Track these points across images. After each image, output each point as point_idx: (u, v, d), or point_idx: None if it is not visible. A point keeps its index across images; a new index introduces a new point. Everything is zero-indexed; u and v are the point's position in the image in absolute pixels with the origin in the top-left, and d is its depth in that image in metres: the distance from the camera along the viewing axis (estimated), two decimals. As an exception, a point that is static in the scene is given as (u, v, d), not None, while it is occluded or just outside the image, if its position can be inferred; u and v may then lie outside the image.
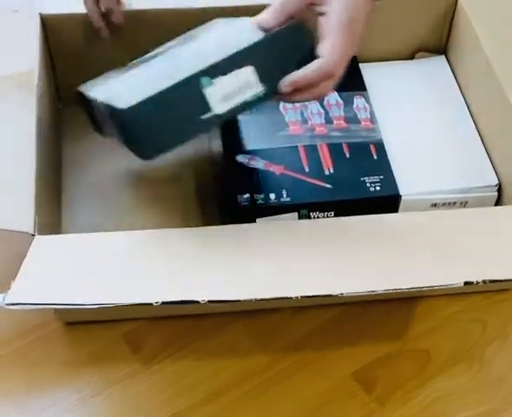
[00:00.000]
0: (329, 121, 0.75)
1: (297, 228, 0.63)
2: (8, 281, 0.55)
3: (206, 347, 0.65)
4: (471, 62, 0.79)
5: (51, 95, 0.77)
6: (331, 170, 0.71)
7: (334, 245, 0.60)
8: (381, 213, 0.65)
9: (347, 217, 0.63)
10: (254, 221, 0.68)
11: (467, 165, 0.73)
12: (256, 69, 0.59)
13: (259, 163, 0.71)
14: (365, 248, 0.60)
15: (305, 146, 0.72)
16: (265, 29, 0.60)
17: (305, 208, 0.68)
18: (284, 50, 0.60)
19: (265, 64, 0.59)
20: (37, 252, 0.57)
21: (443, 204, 0.71)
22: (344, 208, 0.68)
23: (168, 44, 0.72)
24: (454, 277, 0.57)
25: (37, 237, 0.58)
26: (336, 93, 0.77)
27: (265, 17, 0.61)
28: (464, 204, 0.72)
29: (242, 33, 0.62)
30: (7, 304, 0.53)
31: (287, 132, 0.73)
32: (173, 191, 0.75)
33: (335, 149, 0.72)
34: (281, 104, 0.75)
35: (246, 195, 0.68)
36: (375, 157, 0.72)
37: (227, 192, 0.72)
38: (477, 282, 0.56)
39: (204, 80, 0.57)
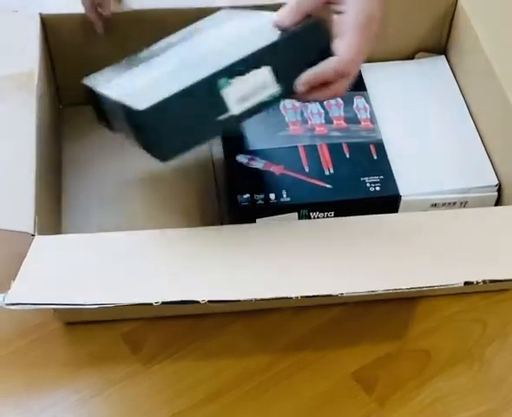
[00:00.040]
0: (329, 121, 0.75)
1: (297, 228, 0.63)
2: (8, 281, 0.55)
3: (206, 348, 0.65)
4: (471, 62, 0.79)
5: (51, 95, 0.77)
6: (331, 170, 0.71)
7: (334, 245, 0.60)
8: (381, 213, 0.65)
9: (347, 217, 0.63)
10: (254, 221, 0.68)
11: (467, 165, 0.73)
12: (272, 70, 0.58)
13: (259, 163, 0.71)
14: (365, 248, 0.60)
15: (305, 146, 0.72)
16: (281, 28, 0.60)
17: (305, 208, 0.68)
18: (300, 50, 0.59)
19: (281, 64, 0.59)
20: (37, 252, 0.57)
21: (443, 204, 0.71)
22: (344, 208, 0.68)
23: (173, 38, 0.71)
24: (454, 277, 0.57)
25: (37, 237, 0.58)
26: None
27: (281, 16, 0.60)
28: (464, 204, 0.72)
29: (258, 32, 0.61)
30: (7, 304, 0.53)
31: (287, 132, 0.73)
32: (174, 191, 0.75)
33: (335, 149, 0.72)
34: (281, 104, 0.75)
35: (246, 195, 0.68)
36: (375, 157, 0.72)
37: (227, 192, 0.72)
38: (477, 282, 0.56)
39: (222, 81, 0.57)
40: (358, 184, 0.70)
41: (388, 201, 0.70)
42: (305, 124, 0.74)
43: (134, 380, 0.63)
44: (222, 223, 0.73)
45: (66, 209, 0.74)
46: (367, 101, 0.77)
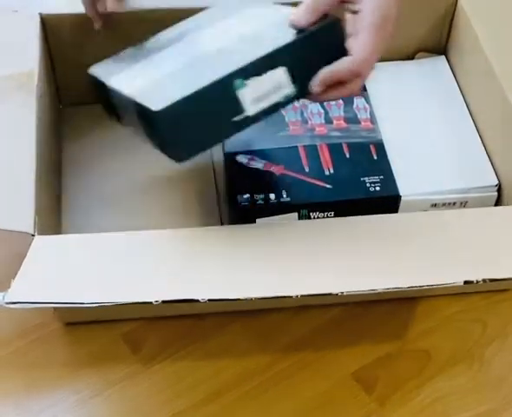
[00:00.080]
0: (329, 121, 0.75)
1: (297, 228, 0.63)
2: (8, 281, 0.55)
3: (205, 348, 0.65)
4: (471, 62, 0.79)
5: (51, 95, 0.77)
6: (331, 170, 0.71)
7: (334, 245, 0.60)
8: (381, 213, 0.65)
9: (347, 217, 0.63)
10: (254, 222, 0.68)
11: (467, 165, 0.73)
12: (288, 70, 0.58)
13: (259, 163, 0.71)
14: (365, 248, 0.60)
15: (305, 146, 0.72)
16: (296, 27, 0.59)
17: (305, 208, 0.68)
18: (316, 50, 0.59)
19: (297, 65, 0.58)
20: (37, 252, 0.57)
21: (443, 204, 0.71)
22: (344, 208, 0.68)
23: (179, 28, 0.70)
24: (454, 276, 0.57)
25: (37, 237, 0.58)
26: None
27: (297, 15, 0.59)
28: (464, 204, 0.72)
29: (273, 30, 0.61)
30: (7, 303, 0.53)
31: (287, 132, 0.73)
32: (174, 191, 0.75)
33: (335, 149, 0.72)
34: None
35: (246, 195, 0.68)
36: (375, 157, 0.72)
37: (227, 192, 0.72)
38: (477, 281, 0.56)
39: (238, 81, 0.56)
40: (358, 184, 0.70)
41: (388, 201, 0.70)
42: (305, 124, 0.74)
43: (133, 380, 0.63)
44: (222, 223, 0.73)
45: (66, 209, 0.74)
46: (367, 101, 0.77)
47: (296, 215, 0.68)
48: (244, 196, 0.68)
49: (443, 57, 0.85)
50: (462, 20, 0.81)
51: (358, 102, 0.77)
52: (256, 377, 0.64)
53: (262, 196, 0.68)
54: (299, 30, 0.59)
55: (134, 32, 0.76)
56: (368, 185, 0.70)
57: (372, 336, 0.67)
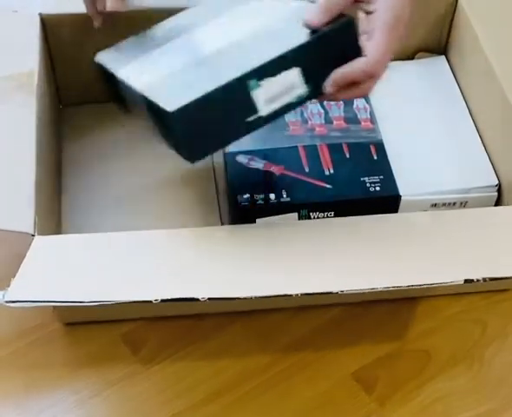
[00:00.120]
0: (329, 121, 0.75)
1: (297, 228, 0.63)
2: (8, 281, 0.54)
3: (205, 348, 0.65)
4: (471, 62, 0.79)
5: (51, 95, 0.77)
6: (331, 170, 0.71)
7: (334, 245, 0.60)
8: (381, 213, 0.65)
9: (347, 217, 0.63)
10: (254, 222, 0.68)
11: (467, 165, 0.73)
12: (301, 71, 0.58)
13: (259, 163, 0.71)
14: (365, 248, 0.60)
15: (305, 146, 0.72)
16: (310, 27, 0.59)
17: (305, 208, 0.68)
18: (331, 51, 0.58)
19: (311, 65, 0.58)
20: (37, 252, 0.57)
21: (443, 204, 0.71)
22: (344, 208, 0.68)
23: (185, 16, 0.69)
24: (454, 275, 0.56)
25: (37, 237, 0.58)
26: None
27: (311, 15, 0.59)
28: (464, 204, 0.72)
29: (284, 26, 0.60)
30: (6, 302, 0.53)
31: (287, 132, 0.73)
32: (174, 191, 0.75)
33: (335, 150, 0.72)
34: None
35: (246, 195, 0.68)
36: (375, 157, 0.72)
37: (227, 192, 0.72)
38: (477, 280, 0.56)
39: (252, 82, 0.56)
40: (358, 184, 0.70)
41: (388, 201, 0.70)
42: (305, 124, 0.74)
43: (133, 380, 0.63)
44: (222, 223, 0.73)
45: (66, 209, 0.74)
46: (367, 101, 0.77)
47: (296, 215, 0.68)
48: (244, 196, 0.68)
49: (443, 57, 0.85)
50: (462, 20, 0.81)
51: (358, 102, 0.77)
52: (256, 377, 0.64)
53: (262, 196, 0.68)
54: (313, 30, 0.58)
55: (134, 32, 0.76)
56: (368, 185, 0.70)
57: (372, 336, 0.67)
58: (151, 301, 0.54)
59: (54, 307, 0.64)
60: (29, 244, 0.57)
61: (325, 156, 0.72)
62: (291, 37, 0.58)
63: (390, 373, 0.65)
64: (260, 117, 0.58)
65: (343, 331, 0.67)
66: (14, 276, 0.55)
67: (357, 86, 0.59)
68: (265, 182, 0.69)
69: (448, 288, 0.68)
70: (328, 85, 0.59)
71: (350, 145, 0.73)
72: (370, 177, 0.70)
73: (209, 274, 0.57)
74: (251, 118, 0.58)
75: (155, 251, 0.59)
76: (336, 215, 0.69)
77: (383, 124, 0.75)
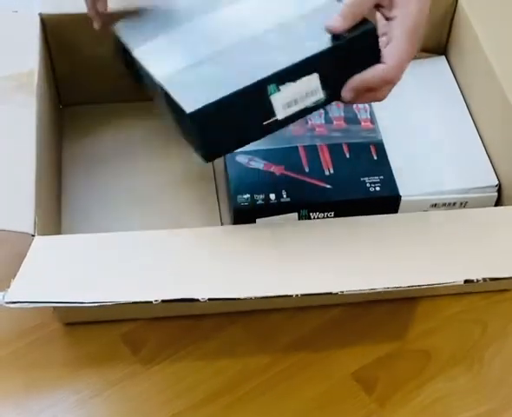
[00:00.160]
0: (329, 121, 0.75)
1: (297, 228, 0.63)
2: (8, 281, 0.55)
3: (205, 348, 0.65)
4: (471, 62, 0.79)
5: (51, 95, 0.77)
6: (331, 171, 0.71)
7: (334, 245, 0.60)
8: (381, 213, 0.65)
9: (347, 217, 0.63)
10: (254, 222, 0.68)
11: (467, 165, 0.73)
12: (320, 76, 0.58)
13: (258, 163, 0.71)
14: (365, 248, 0.60)
15: (305, 146, 0.72)
16: (332, 33, 0.59)
17: (305, 208, 0.68)
18: (350, 58, 0.58)
19: (330, 72, 0.58)
20: (37, 252, 0.57)
21: (443, 204, 0.71)
22: (344, 208, 0.68)
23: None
24: (454, 275, 0.56)
25: (37, 237, 0.58)
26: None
27: (332, 21, 0.58)
28: (464, 204, 0.72)
29: (308, 32, 0.60)
30: (7, 302, 0.53)
31: (287, 132, 0.73)
32: (174, 191, 0.75)
33: (335, 150, 0.72)
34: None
35: (246, 195, 0.68)
36: (375, 157, 0.72)
37: (227, 192, 0.72)
38: (477, 280, 0.56)
39: (271, 87, 0.56)
40: (358, 184, 0.70)
41: (388, 202, 0.70)
42: (305, 124, 0.74)
43: (133, 380, 0.63)
44: (222, 223, 0.73)
45: (66, 209, 0.74)
46: (367, 101, 0.77)
47: (296, 215, 0.68)
48: (244, 196, 0.68)
49: (443, 57, 0.85)
50: (462, 20, 0.81)
51: (358, 102, 0.77)
52: (256, 377, 0.64)
53: (262, 196, 0.68)
54: (334, 35, 0.58)
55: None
56: (368, 185, 0.70)
57: (372, 336, 0.67)
58: (151, 302, 0.54)
59: (54, 307, 0.64)
60: (29, 244, 0.57)
61: (325, 156, 0.72)
62: (312, 40, 0.58)
63: (390, 373, 0.65)
64: (277, 121, 0.58)
65: (343, 331, 0.67)
66: (14, 276, 0.55)
67: (374, 91, 0.60)
68: (265, 182, 0.69)
69: (448, 288, 0.68)
70: (346, 91, 0.59)
71: (350, 145, 0.73)
72: (370, 177, 0.70)
73: (209, 274, 0.57)
74: (267, 122, 0.58)
75: (155, 251, 0.59)
76: (336, 215, 0.69)
77: (383, 124, 0.75)
